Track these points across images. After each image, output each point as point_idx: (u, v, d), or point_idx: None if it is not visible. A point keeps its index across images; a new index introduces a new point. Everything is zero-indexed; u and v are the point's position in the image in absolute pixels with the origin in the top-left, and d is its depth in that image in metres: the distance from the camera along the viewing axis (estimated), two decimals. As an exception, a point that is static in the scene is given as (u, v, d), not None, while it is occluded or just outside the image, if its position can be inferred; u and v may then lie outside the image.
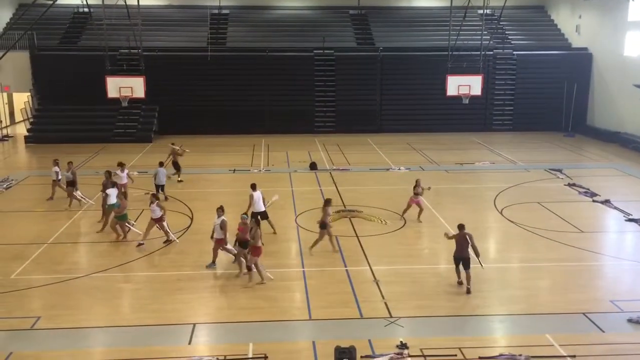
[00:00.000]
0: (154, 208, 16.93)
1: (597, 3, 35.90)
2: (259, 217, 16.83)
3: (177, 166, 24.68)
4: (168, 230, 17.37)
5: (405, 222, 19.19)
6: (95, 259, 16.08)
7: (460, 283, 14.37)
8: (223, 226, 15.30)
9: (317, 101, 36.67)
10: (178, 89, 35.45)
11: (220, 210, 15.54)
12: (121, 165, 21.26)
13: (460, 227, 14.26)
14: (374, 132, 36.16)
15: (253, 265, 14.43)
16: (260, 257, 14.40)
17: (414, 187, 19.41)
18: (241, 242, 14.84)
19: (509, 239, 18.12)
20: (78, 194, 21.08)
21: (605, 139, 33.73)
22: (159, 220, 17.04)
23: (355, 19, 40.91)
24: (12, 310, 13.18)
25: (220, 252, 15.58)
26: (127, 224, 17.88)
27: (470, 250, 14.15)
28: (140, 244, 16.96)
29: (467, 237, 14.05)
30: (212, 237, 15.55)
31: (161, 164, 21.92)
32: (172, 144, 25.29)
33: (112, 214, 17.81)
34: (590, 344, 11.74)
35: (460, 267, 14.22)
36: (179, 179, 24.44)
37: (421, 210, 19.41)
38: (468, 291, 14.00)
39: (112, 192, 18.53)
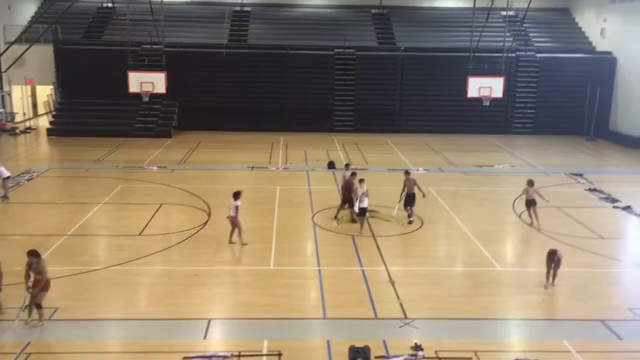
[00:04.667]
0: None
1: (622, 7, 35.41)
2: (366, 213, 18.18)
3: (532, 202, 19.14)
4: None
5: (422, 224, 19.10)
6: (114, 252, 16.21)
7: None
8: None
9: (337, 100, 36.61)
10: (198, 85, 35.65)
11: None
12: None
13: (407, 172, 19.74)
14: (392, 132, 36.01)
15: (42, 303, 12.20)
16: (48, 292, 12.35)
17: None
18: None
19: (527, 243, 17.96)
20: None
21: (628, 144, 33.27)
22: None
23: (377, 18, 40.83)
24: (31, 300, 13.35)
25: (237, 246, 15.53)
26: None
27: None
28: None
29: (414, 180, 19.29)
30: None
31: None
32: (529, 181, 19.42)
33: None
34: (608, 351, 11.60)
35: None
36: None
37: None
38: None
39: None
